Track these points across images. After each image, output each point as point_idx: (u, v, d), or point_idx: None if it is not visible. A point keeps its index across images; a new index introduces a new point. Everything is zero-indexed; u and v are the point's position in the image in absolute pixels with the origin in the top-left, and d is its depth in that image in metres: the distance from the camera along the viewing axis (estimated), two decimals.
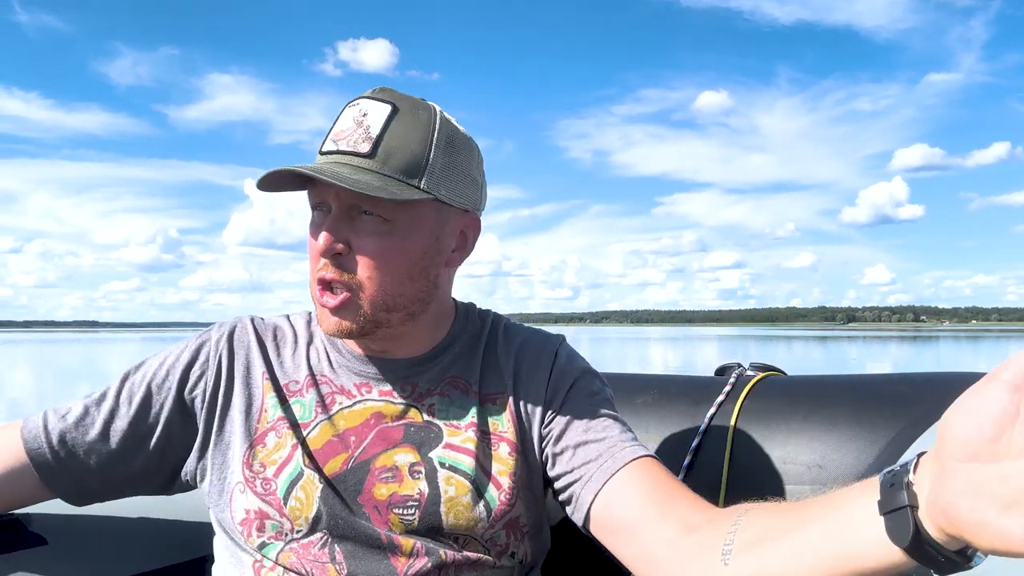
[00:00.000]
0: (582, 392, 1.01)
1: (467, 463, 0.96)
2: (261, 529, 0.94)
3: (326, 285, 0.93)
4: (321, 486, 0.93)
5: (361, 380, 1.01)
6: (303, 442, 0.96)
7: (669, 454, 1.31)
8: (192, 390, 1.01)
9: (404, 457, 0.95)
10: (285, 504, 0.93)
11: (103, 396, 1.01)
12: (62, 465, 0.98)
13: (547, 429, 0.99)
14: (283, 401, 0.99)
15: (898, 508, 0.57)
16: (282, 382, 1.01)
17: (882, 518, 0.58)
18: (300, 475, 0.94)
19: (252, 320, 1.08)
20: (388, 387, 1.00)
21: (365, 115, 0.92)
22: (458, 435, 0.97)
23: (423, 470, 0.95)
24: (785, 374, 1.42)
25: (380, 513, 0.93)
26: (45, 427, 0.98)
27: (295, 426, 0.97)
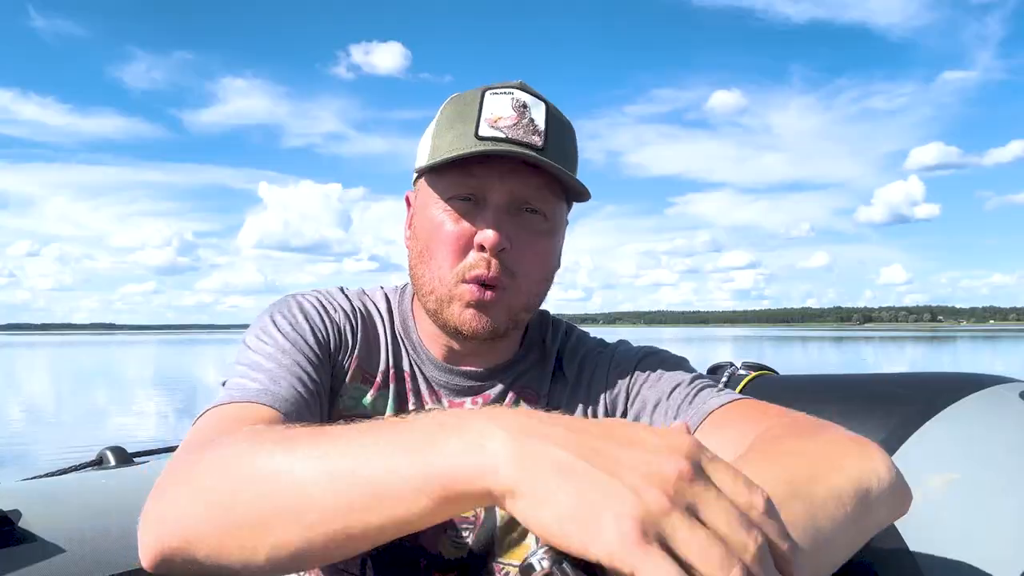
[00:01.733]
0: (648, 366, 0.96)
1: None
2: None
3: (480, 283, 0.86)
4: None
5: (434, 386, 0.96)
6: None
7: None
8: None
9: None
10: None
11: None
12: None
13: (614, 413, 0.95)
14: (373, 389, 0.93)
15: None
16: (374, 368, 0.95)
17: None
18: None
19: (344, 290, 1.01)
20: (460, 399, 0.96)
21: (525, 106, 0.87)
22: None
23: None
24: (777, 373, 1.43)
25: (431, 534, 0.90)
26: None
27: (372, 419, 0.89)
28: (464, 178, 0.86)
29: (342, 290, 1.00)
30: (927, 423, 1.10)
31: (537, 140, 0.85)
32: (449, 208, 0.87)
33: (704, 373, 1.41)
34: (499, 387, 0.96)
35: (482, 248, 0.85)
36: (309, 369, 0.86)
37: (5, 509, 1.12)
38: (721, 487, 0.44)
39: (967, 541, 0.93)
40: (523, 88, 0.89)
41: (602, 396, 0.97)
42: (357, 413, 0.92)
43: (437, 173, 0.88)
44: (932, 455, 1.04)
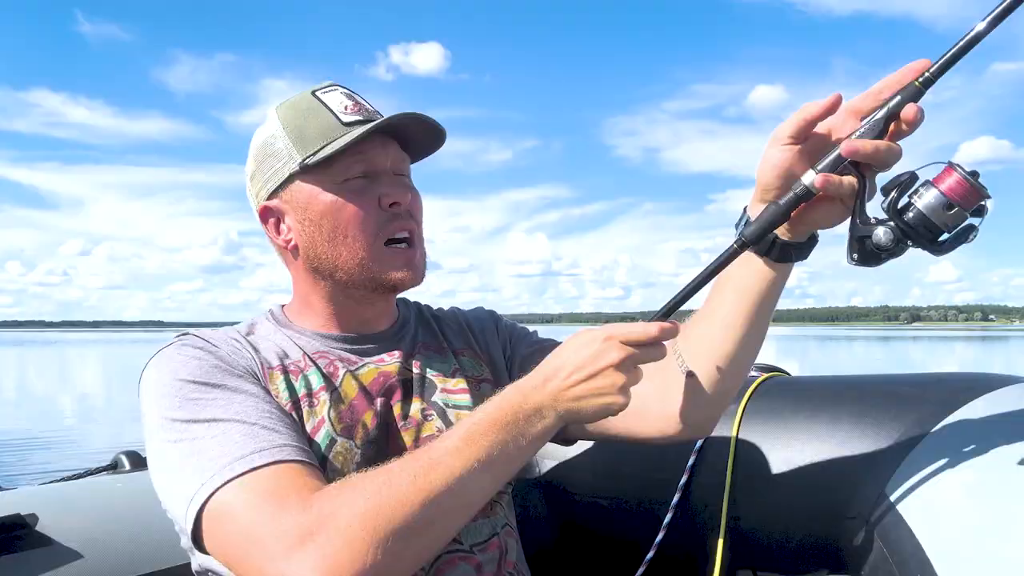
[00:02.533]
0: (514, 326, 1.20)
1: (466, 400, 1.05)
2: None
3: (406, 240, 1.00)
4: (358, 451, 0.95)
5: (352, 353, 1.04)
6: (327, 410, 0.96)
7: (673, 453, 1.32)
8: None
9: (415, 406, 1.02)
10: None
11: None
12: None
13: (510, 353, 1.16)
14: (294, 376, 0.98)
15: (772, 241, 0.90)
16: (281, 362, 0.99)
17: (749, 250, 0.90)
18: (331, 444, 0.95)
19: (199, 333, 1.01)
20: (378, 356, 1.05)
21: (352, 96, 1.02)
22: (448, 382, 1.07)
23: (434, 412, 1.03)
24: (789, 374, 1.44)
25: None
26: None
27: (312, 396, 0.97)
28: (351, 158, 0.97)
29: (196, 334, 1.00)
30: (941, 423, 1.09)
31: (380, 116, 1.01)
32: (347, 188, 0.97)
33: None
34: (403, 342, 1.08)
35: (393, 205, 0.99)
36: (269, 404, 0.91)
37: (22, 514, 1.15)
38: (621, 335, 0.85)
39: (982, 541, 0.92)
40: (336, 85, 1.03)
41: (491, 336, 1.16)
42: (297, 398, 0.97)
43: (320, 167, 0.97)
44: (946, 455, 1.03)
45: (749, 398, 1.31)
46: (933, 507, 1.00)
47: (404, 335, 1.10)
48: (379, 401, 1.00)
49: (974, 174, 0.76)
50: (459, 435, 0.82)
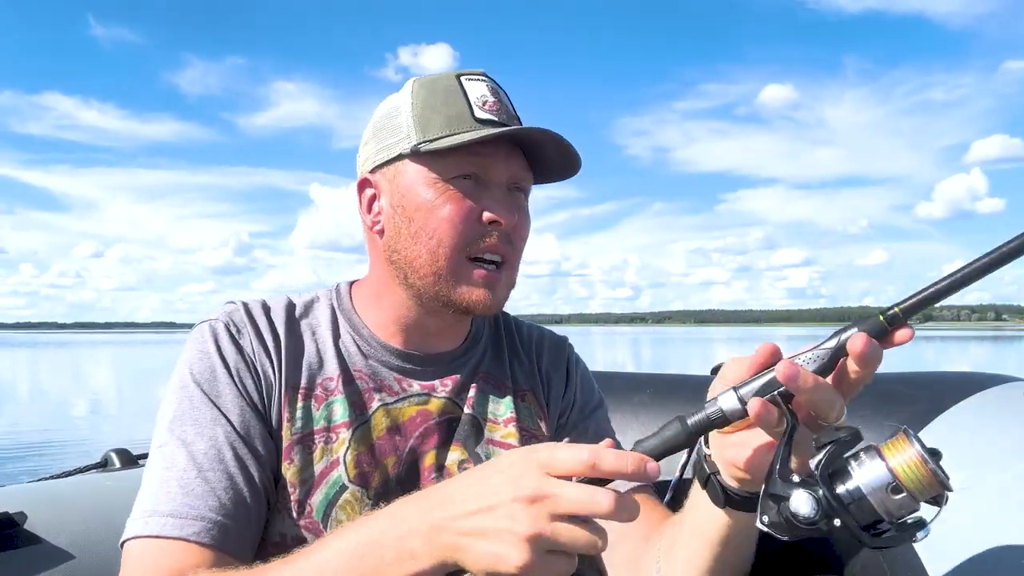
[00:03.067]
0: (598, 418, 1.05)
1: None
2: None
3: (489, 260, 0.90)
4: (368, 503, 0.87)
5: (399, 375, 0.95)
6: (345, 450, 0.88)
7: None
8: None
9: (453, 455, 0.92)
10: (326, 528, 0.85)
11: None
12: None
13: (565, 435, 1.01)
14: (317, 403, 0.90)
15: (707, 476, 0.74)
16: (311, 381, 0.91)
17: (704, 492, 0.74)
18: (340, 492, 0.87)
19: (248, 308, 0.94)
20: (429, 382, 0.95)
21: (498, 92, 0.93)
22: (498, 430, 0.96)
23: (472, 467, 0.90)
24: None
25: None
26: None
27: (331, 431, 0.89)
28: (468, 157, 0.88)
29: (246, 308, 0.94)
30: (934, 421, 1.09)
31: (518, 124, 0.90)
32: (451, 187, 0.88)
33: (708, 374, 1.41)
34: (465, 368, 0.98)
35: (491, 224, 0.88)
36: (244, 444, 0.85)
37: (11, 511, 1.15)
38: (561, 467, 0.60)
39: (973, 539, 0.92)
40: (486, 75, 0.93)
41: (558, 398, 1.03)
42: (312, 431, 0.89)
43: (431, 156, 0.88)
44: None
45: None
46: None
47: (468, 360, 0.99)
48: (409, 446, 0.91)
49: (934, 454, 0.60)
50: (310, 565, 0.69)
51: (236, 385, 0.87)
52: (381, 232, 0.93)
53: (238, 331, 0.91)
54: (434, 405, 0.94)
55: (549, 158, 0.91)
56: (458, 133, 0.87)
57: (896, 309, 0.62)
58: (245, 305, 0.94)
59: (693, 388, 1.35)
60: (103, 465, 1.46)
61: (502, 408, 0.98)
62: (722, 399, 0.65)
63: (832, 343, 0.63)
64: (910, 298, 0.63)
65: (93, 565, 1.20)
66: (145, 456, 1.51)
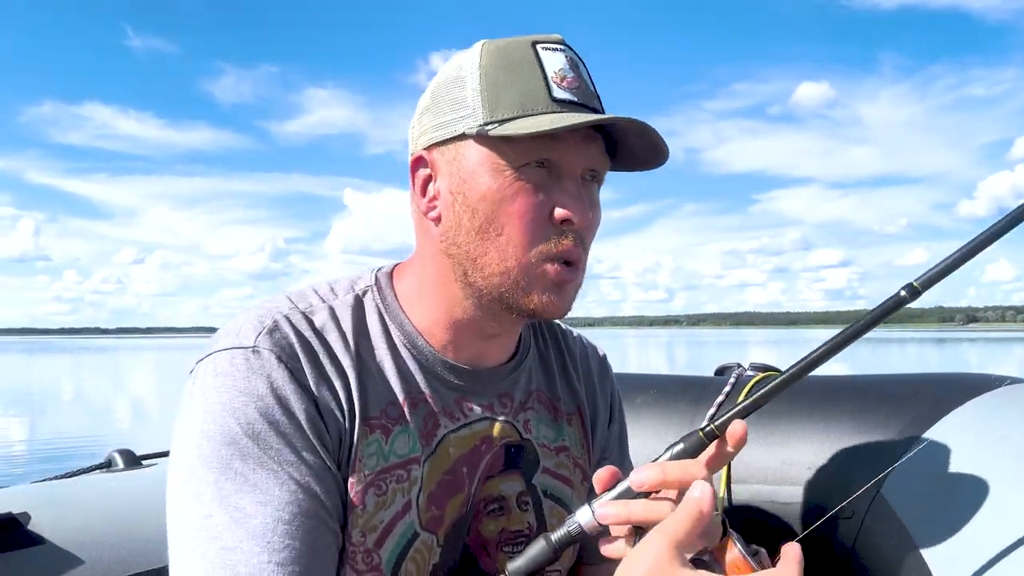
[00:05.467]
0: (623, 426, 1.03)
1: (567, 493, 0.88)
2: None
3: (564, 261, 0.79)
4: (438, 550, 0.79)
5: (459, 394, 0.84)
6: (418, 491, 0.78)
7: None
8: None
9: (511, 486, 0.85)
10: None
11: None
12: None
13: (600, 462, 0.95)
14: (384, 435, 0.78)
15: None
16: (377, 409, 0.79)
17: None
18: (412, 539, 0.78)
19: (293, 325, 0.78)
20: (487, 401, 0.85)
21: (578, 65, 0.80)
22: (551, 458, 0.89)
23: (530, 500, 0.85)
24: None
25: (489, 554, 0.83)
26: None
27: (403, 468, 0.78)
28: (541, 144, 0.75)
29: (291, 324, 0.78)
30: (938, 423, 1.07)
31: (599, 105, 0.80)
32: (522, 177, 0.76)
33: (711, 375, 1.38)
34: (519, 386, 0.89)
35: (564, 222, 0.77)
36: (320, 510, 0.72)
37: (14, 512, 1.16)
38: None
39: (978, 541, 0.90)
40: (564, 43, 0.81)
41: (602, 422, 0.98)
42: (384, 468, 0.78)
43: (500, 138, 0.76)
44: (943, 455, 1.01)
45: (745, 398, 1.27)
46: (929, 508, 0.98)
47: (520, 375, 0.89)
48: (475, 479, 0.82)
49: (753, 552, 0.67)
50: None
51: (298, 432, 0.72)
52: (437, 219, 0.81)
53: (290, 358, 0.74)
54: (496, 430, 0.85)
55: (631, 145, 0.80)
56: (532, 115, 0.75)
57: (712, 427, 0.69)
58: (288, 320, 0.78)
59: (698, 389, 1.33)
60: (107, 465, 1.47)
61: (553, 433, 0.90)
62: (579, 514, 0.69)
63: (667, 455, 0.70)
64: (926, 273, 0.69)
65: (97, 566, 1.20)
66: (148, 456, 1.52)
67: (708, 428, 0.69)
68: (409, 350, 0.82)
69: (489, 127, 0.75)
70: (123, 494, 1.34)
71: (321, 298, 0.83)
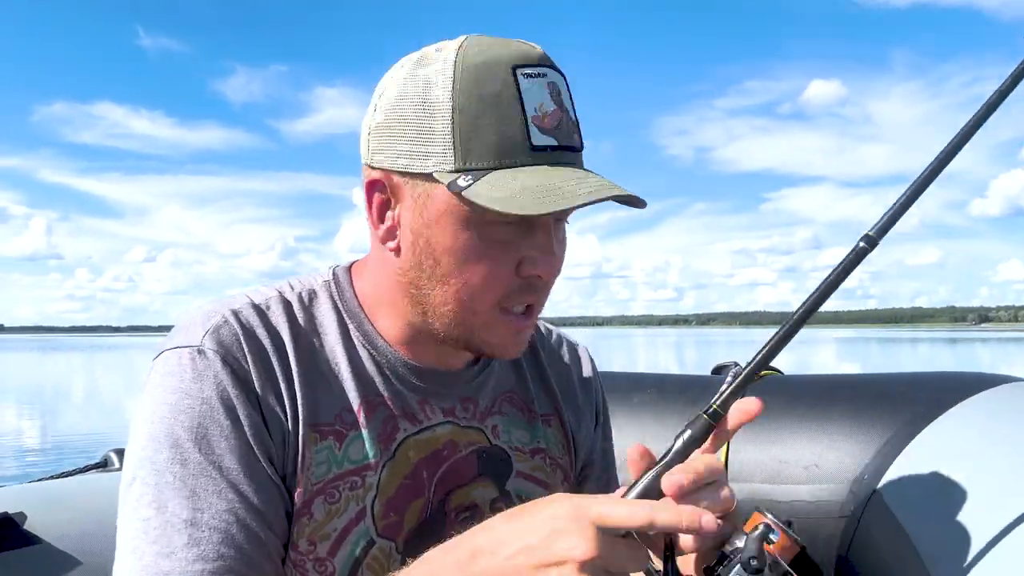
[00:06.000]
0: (608, 433, 0.99)
1: (542, 495, 0.87)
2: None
3: (529, 311, 0.77)
4: (397, 557, 0.76)
5: (420, 396, 0.81)
6: (372, 498, 0.76)
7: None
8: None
9: (484, 493, 0.83)
10: None
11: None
12: None
13: (591, 483, 0.94)
14: (338, 442, 0.76)
15: None
16: (330, 414, 0.76)
17: None
18: (368, 547, 0.76)
19: (242, 321, 0.75)
20: (450, 404, 0.83)
21: (559, 92, 0.73)
22: (525, 461, 0.86)
23: (503, 507, 0.79)
24: (782, 374, 1.42)
25: (463, 526, 0.79)
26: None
27: (356, 474, 0.76)
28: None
29: (239, 321, 0.75)
30: (934, 422, 1.08)
31: (578, 140, 0.74)
32: (492, 234, 0.72)
33: (709, 374, 1.39)
34: (484, 389, 0.86)
35: (530, 277, 0.74)
36: (256, 517, 0.71)
37: (10, 512, 1.16)
38: (614, 524, 0.57)
39: (975, 539, 0.90)
40: (546, 61, 0.73)
41: (586, 423, 0.94)
42: (335, 476, 0.76)
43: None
44: (939, 454, 1.02)
45: (742, 397, 1.28)
46: (925, 506, 0.98)
47: (487, 378, 0.86)
48: (435, 485, 0.80)
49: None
50: None
51: (241, 439, 0.71)
52: (396, 251, 0.76)
53: (236, 360, 0.73)
54: (459, 434, 0.82)
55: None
56: (509, 167, 0.69)
57: (715, 407, 0.66)
58: (236, 316, 0.75)
59: (695, 388, 1.34)
60: (103, 465, 1.47)
61: (528, 435, 0.87)
62: None
63: (679, 443, 0.66)
64: (880, 220, 0.69)
65: (93, 566, 1.21)
66: None
67: (712, 410, 0.66)
68: (367, 349, 0.80)
69: (460, 177, 0.69)
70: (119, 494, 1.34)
71: (280, 293, 0.80)
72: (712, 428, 0.66)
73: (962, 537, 0.91)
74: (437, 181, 0.71)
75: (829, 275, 0.71)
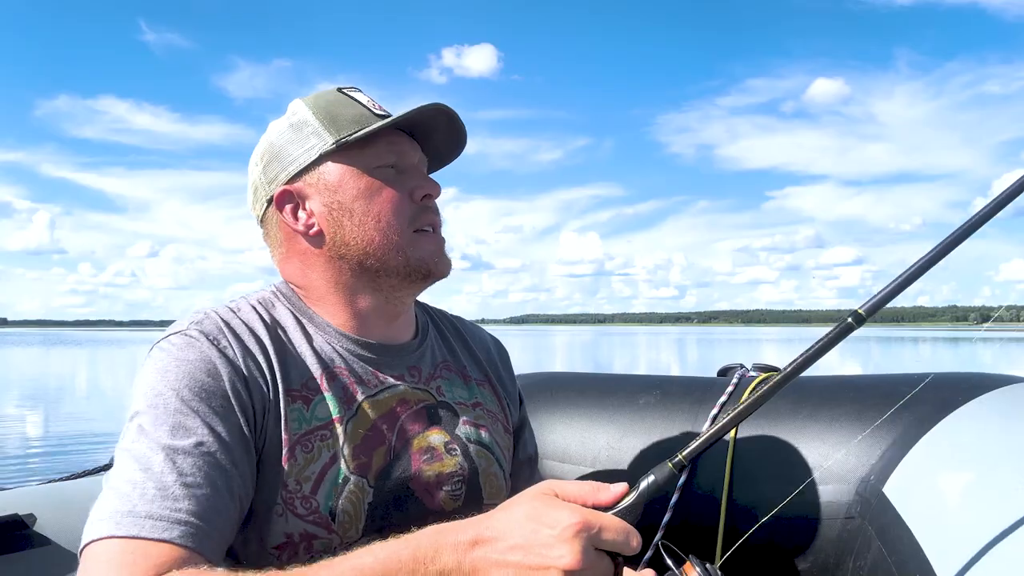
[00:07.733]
0: (532, 438, 1.20)
1: (486, 437, 1.03)
2: (309, 550, 0.87)
3: (431, 229, 0.98)
4: (371, 490, 0.91)
5: (373, 367, 0.98)
6: (342, 444, 0.91)
7: (671, 454, 1.28)
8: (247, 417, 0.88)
9: (437, 437, 0.98)
10: (334, 520, 0.88)
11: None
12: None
13: (515, 429, 1.12)
14: (305, 404, 0.91)
15: None
16: (298, 383, 0.92)
17: None
18: (344, 483, 0.89)
19: (220, 315, 0.93)
20: (399, 372, 1.00)
21: (368, 98, 1.00)
22: (469, 412, 1.03)
23: (457, 447, 0.99)
24: None
25: (432, 494, 0.95)
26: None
27: (326, 428, 0.91)
28: (386, 149, 0.96)
29: (218, 315, 0.93)
30: (941, 422, 1.07)
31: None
32: (379, 176, 0.95)
33: (715, 376, 1.39)
34: (424, 360, 1.03)
35: (425, 198, 0.97)
36: (226, 454, 0.83)
37: (20, 513, 1.17)
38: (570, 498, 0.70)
39: (981, 540, 0.90)
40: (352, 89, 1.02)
41: (512, 392, 1.13)
42: (308, 430, 0.90)
43: (353, 149, 0.95)
44: (945, 454, 1.02)
45: (747, 398, 1.28)
46: (931, 507, 0.98)
47: (425, 350, 1.05)
48: (396, 433, 0.95)
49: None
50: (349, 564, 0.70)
51: (220, 394, 0.85)
52: (319, 234, 0.96)
53: (217, 340, 0.89)
54: (410, 394, 0.99)
55: (438, 141, 1.02)
56: (368, 126, 0.94)
57: (681, 457, 0.74)
58: (216, 313, 0.93)
59: (701, 390, 1.33)
60: (111, 467, 1.48)
61: (468, 394, 1.05)
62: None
63: (643, 484, 0.72)
64: (872, 299, 0.72)
65: None
66: None
67: (677, 459, 0.74)
68: (322, 335, 0.97)
69: (343, 139, 0.94)
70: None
71: (246, 299, 0.99)
72: (676, 477, 0.75)
73: (969, 539, 0.90)
74: (326, 160, 0.95)
75: (812, 346, 0.74)
